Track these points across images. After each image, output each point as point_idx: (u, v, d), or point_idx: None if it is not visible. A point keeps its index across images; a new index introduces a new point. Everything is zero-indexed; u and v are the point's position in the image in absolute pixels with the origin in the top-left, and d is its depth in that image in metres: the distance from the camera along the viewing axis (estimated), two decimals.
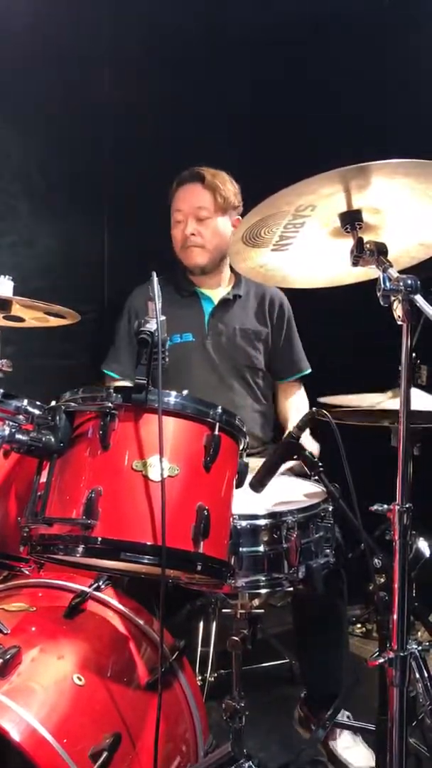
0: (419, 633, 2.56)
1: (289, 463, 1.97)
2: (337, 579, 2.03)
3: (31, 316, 1.85)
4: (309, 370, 2.62)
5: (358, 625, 2.97)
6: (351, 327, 3.04)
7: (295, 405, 2.57)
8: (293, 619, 2.30)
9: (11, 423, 1.44)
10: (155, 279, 1.43)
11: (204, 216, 2.42)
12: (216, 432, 1.43)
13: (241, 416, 1.53)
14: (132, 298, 2.55)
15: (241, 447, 1.54)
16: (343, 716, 2.09)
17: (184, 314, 2.47)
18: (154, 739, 1.39)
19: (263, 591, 1.70)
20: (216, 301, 2.51)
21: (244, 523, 1.60)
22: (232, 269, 2.56)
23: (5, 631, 1.52)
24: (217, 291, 2.53)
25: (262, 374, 2.54)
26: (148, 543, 1.34)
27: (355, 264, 1.47)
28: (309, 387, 2.65)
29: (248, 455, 1.59)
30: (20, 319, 1.85)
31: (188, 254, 2.46)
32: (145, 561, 1.35)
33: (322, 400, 2.10)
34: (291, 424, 2.41)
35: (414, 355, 1.36)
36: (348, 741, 2.08)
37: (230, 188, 2.47)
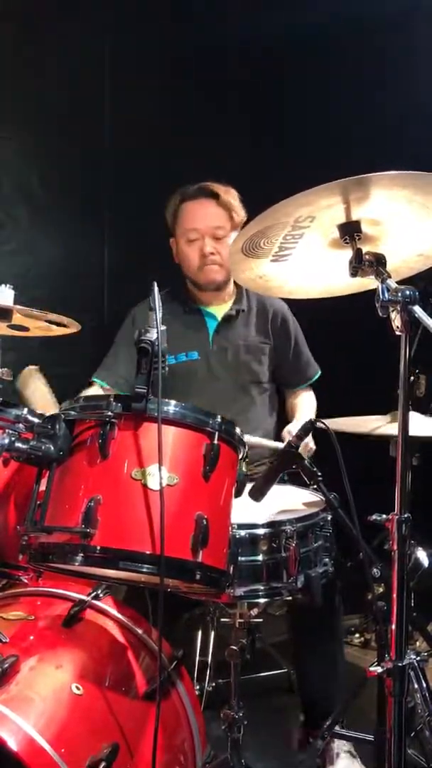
0: (417, 643, 2.56)
1: None
2: (332, 588, 2.03)
3: (35, 325, 1.85)
4: (319, 373, 2.63)
5: (357, 635, 2.96)
6: (348, 345, 3.05)
7: (303, 402, 2.58)
8: (290, 629, 2.29)
9: (11, 431, 1.44)
10: (156, 289, 1.44)
11: (221, 235, 2.41)
12: (215, 441, 1.43)
13: (249, 430, 1.53)
14: (135, 313, 2.53)
15: (240, 456, 1.54)
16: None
17: (190, 332, 2.47)
18: (152, 749, 1.39)
19: (262, 600, 1.70)
20: (219, 318, 2.51)
21: (242, 532, 1.60)
22: (234, 282, 2.56)
23: (3, 640, 1.52)
24: (220, 307, 2.52)
25: (266, 388, 2.54)
26: (147, 552, 1.34)
27: (353, 275, 1.48)
28: None
29: (256, 465, 1.59)
30: (24, 328, 1.85)
31: (207, 273, 2.44)
32: (144, 570, 1.35)
33: (320, 424, 2.10)
34: (297, 419, 2.44)
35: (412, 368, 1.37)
36: (346, 764, 2.06)
37: (240, 205, 2.45)
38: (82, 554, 1.35)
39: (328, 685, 2.12)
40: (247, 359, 2.49)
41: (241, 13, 3.27)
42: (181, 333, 2.41)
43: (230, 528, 1.51)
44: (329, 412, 2.21)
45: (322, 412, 2.40)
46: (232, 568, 1.51)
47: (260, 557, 1.61)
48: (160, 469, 1.36)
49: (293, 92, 3.35)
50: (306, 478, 1.70)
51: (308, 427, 1.72)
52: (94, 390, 2.46)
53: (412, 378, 1.40)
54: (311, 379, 2.63)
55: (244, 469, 1.56)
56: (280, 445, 2.13)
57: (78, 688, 1.47)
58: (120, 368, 2.46)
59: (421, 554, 1.91)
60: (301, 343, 2.60)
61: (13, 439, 1.42)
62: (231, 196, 2.43)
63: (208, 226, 2.41)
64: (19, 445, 1.42)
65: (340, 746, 2.05)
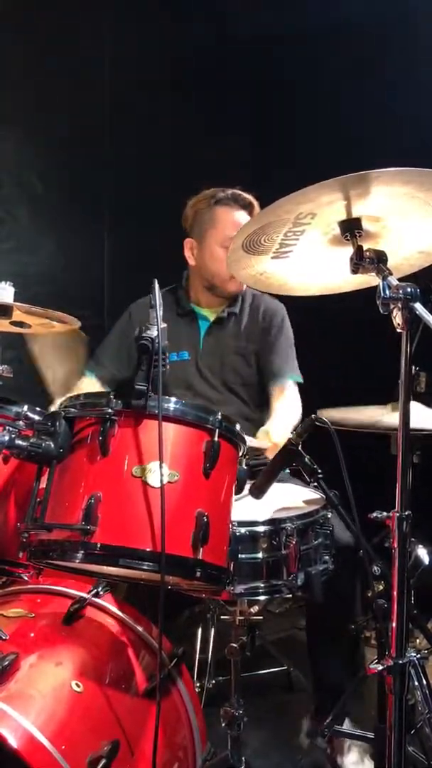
0: (417, 641, 2.56)
1: None
2: (352, 586, 2.04)
3: (37, 322, 1.85)
4: (293, 380, 2.46)
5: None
6: (350, 339, 3.05)
7: (281, 403, 2.40)
8: (306, 624, 2.28)
9: (11, 429, 1.44)
10: (156, 286, 1.43)
11: None
12: (215, 438, 1.43)
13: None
14: (132, 310, 2.53)
15: (240, 453, 1.54)
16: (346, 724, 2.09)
17: (181, 333, 2.47)
18: (153, 746, 1.39)
19: (262, 598, 1.70)
20: (211, 320, 2.51)
21: (243, 529, 1.60)
22: None
23: (3, 637, 1.52)
24: (214, 309, 2.52)
25: (255, 389, 2.51)
26: (148, 549, 1.34)
27: (354, 272, 1.47)
28: (309, 399, 2.62)
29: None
30: (26, 326, 1.85)
31: (237, 283, 2.42)
32: (145, 567, 1.35)
33: (321, 413, 2.10)
34: (268, 424, 2.27)
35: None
36: (356, 757, 2.06)
37: None
38: (82, 551, 1.35)
39: (343, 681, 2.12)
40: (236, 362, 2.49)
41: (240, 13, 3.26)
42: (173, 333, 2.38)
43: (230, 525, 1.51)
44: (330, 405, 2.21)
45: (323, 405, 2.36)
46: (232, 566, 1.51)
47: (260, 555, 1.61)
48: (160, 466, 1.36)
49: (293, 91, 3.34)
50: (306, 476, 1.70)
51: (309, 425, 1.72)
52: (86, 382, 2.44)
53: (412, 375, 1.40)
54: (283, 377, 2.44)
55: (244, 465, 1.56)
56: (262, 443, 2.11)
57: (78, 686, 1.47)
58: (105, 362, 2.45)
59: (422, 552, 1.91)
60: (281, 340, 2.49)
61: (13, 436, 1.42)
62: (258, 209, 2.41)
63: None
64: (19, 442, 1.42)
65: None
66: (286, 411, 2.36)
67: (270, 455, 1.96)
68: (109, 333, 2.55)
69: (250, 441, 2.18)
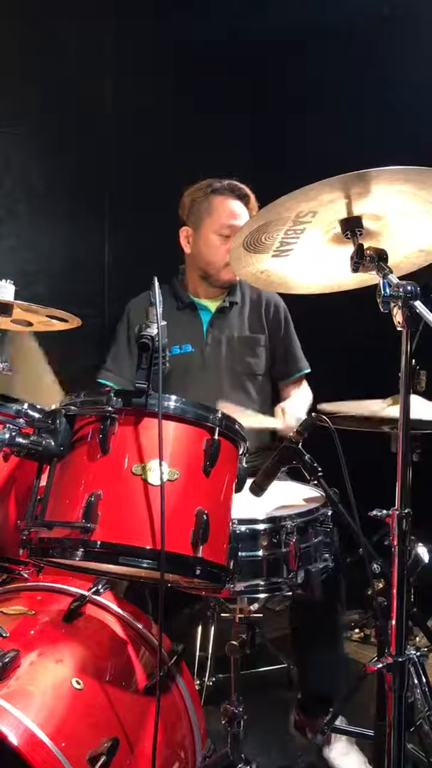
0: (417, 638, 2.56)
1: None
2: (336, 583, 2.04)
3: (38, 320, 1.85)
4: (308, 370, 2.61)
5: (356, 631, 2.97)
6: (350, 333, 3.05)
7: (293, 396, 2.55)
8: (291, 622, 2.30)
9: (11, 426, 1.44)
10: (156, 284, 1.44)
11: None
12: (216, 436, 1.44)
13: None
14: (130, 309, 2.53)
15: (240, 451, 1.54)
16: (341, 722, 2.09)
17: (183, 325, 2.47)
18: (152, 743, 1.39)
19: (262, 595, 1.70)
20: (213, 310, 2.52)
21: (243, 527, 1.60)
22: None
23: (4, 635, 1.52)
24: (214, 300, 2.53)
25: (260, 380, 2.54)
26: (147, 547, 1.34)
27: (355, 270, 1.47)
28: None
29: (248, 461, 1.60)
30: (28, 323, 1.85)
31: (230, 272, 2.42)
32: (144, 565, 1.35)
33: (322, 406, 2.11)
34: (286, 402, 2.43)
35: (413, 361, 1.37)
36: (342, 748, 2.07)
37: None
38: (82, 549, 1.36)
39: (328, 680, 2.13)
40: (242, 351, 2.50)
41: (241, 13, 3.26)
42: (175, 326, 2.39)
43: (230, 523, 1.51)
44: (330, 397, 2.22)
45: (324, 399, 2.37)
46: (232, 563, 1.52)
47: (260, 552, 1.62)
48: (160, 465, 1.36)
49: (293, 91, 3.34)
50: (306, 474, 1.70)
51: (309, 423, 1.72)
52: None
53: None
54: (301, 371, 2.59)
55: (243, 462, 1.57)
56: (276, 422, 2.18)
57: (78, 683, 1.48)
58: (123, 370, 2.45)
59: (421, 550, 1.91)
60: (291, 335, 2.59)
61: (13, 434, 1.42)
62: (254, 201, 2.44)
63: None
64: (19, 440, 1.42)
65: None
66: (302, 398, 2.52)
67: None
68: (116, 340, 2.53)
69: (264, 420, 2.23)
